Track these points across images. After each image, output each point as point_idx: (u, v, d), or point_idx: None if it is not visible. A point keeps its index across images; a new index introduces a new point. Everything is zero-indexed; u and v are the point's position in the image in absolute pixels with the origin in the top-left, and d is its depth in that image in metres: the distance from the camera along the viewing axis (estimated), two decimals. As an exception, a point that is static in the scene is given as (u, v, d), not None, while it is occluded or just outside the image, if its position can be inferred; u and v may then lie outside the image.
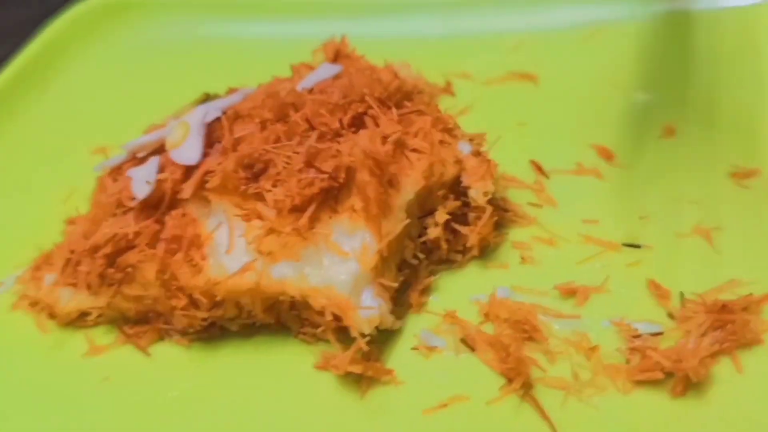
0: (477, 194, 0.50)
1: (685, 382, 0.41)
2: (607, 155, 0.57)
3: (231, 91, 0.59)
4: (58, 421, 0.45)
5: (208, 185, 0.47)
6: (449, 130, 0.52)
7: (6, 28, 0.90)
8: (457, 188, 0.51)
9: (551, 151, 0.58)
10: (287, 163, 0.46)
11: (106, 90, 0.74)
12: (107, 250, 0.47)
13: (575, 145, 0.59)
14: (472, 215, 0.50)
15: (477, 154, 0.52)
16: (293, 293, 0.45)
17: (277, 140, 0.48)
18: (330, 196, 0.46)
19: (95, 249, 0.48)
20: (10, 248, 0.56)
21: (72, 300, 0.50)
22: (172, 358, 0.48)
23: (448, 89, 0.67)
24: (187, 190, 0.48)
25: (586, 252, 0.50)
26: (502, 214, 0.53)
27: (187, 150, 0.49)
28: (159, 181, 0.48)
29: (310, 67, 0.60)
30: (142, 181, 0.48)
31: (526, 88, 0.66)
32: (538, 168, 0.57)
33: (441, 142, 0.50)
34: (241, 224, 0.47)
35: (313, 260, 0.45)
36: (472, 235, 0.49)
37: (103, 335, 0.50)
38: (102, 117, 0.70)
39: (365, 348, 0.44)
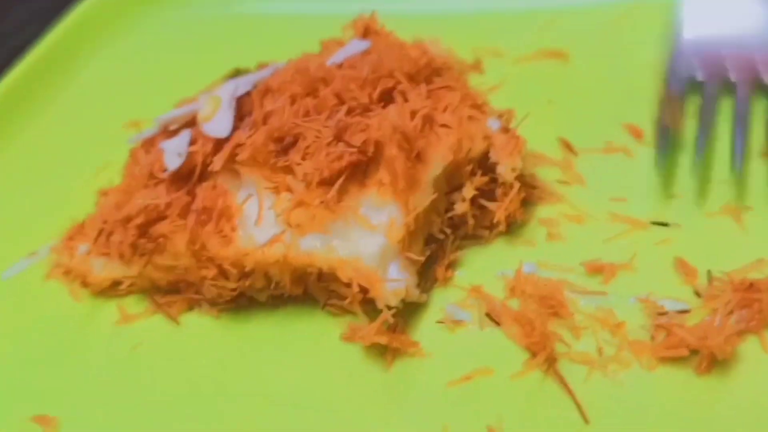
0: (505, 170, 0.50)
1: (710, 359, 0.41)
2: (636, 134, 0.57)
3: (261, 66, 0.59)
4: (90, 386, 0.46)
5: (238, 158, 0.48)
6: (478, 107, 0.52)
7: (31, 12, 0.92)
8: (485, 164, 0.51)
9: (580, 130, 0.58)
10: (317, 137, 0.47)
11: (137, 67, 0.74)
12: (139, 220, 0.48)
13: (605, 124, 0.58)
14: (499, 191, 0.50)
15: (506, 130, 0.52)
16: (321, 265, 0.45)
17: (307, 114, 0.49)
18: (359, 170, 0.46)
19: (127, 219, 0.49)
20: (44, 220, 0.57)
21: (104, 269, 0.51)
22: (201, 328, 0.49)
23: (477, 66, 0.67)
24: (218, 162, 0.48)
25: (613, 230, 0.50)
26: (529, 191, 0.53)
27: (218, 123, 0.49)
28: (190, 153, 0.49)
29: (340, 43, 0.60)
30: (173, 153, 0.48)
31: (557, 66, 0.66)
32: (567, 145, 0.57)
33: (470, 117, 0.50)
34: (271, 197, 0.47)
35: (341, 233, 0.45)
36: (499, 210, 0.50)
37: (134, 304, 0.51)
38: (133, 93, 0.71)
39: (391, 320, 0.44)
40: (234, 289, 0.48)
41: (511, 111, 0.53)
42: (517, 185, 0.49)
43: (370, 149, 0.46)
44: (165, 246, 0.48)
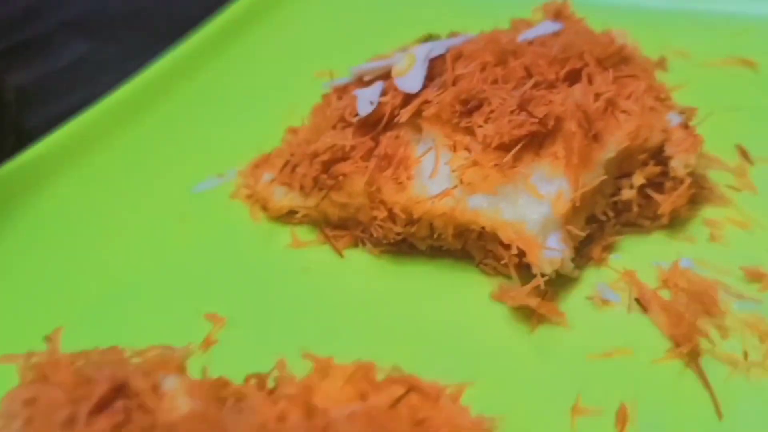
0: (678, 165, 0.50)
1: None
2: (820, 153, 0.56)
3: (453, 35, 0.62)
4: (260, 296, 0.51)
5: (424, 113, 0.51)
6: (661, 100, 0.53)
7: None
8: (659, 156, 0.52)
9: (761, 139, 0.58)
10: (501, 104, 0.49)
11: (333, 25, 0.80)
12: (325, 157, 0.53)
13: (787, 138, 0.57)
14: (668, 185, 0.51)
15: (685, 127, 0.52)
16: (484, 224, 0.48)
17: (495, 82, 0.51)
18: (536, 141, 0.48)
19: (314, 155, 0.53)
20: (235, 149, 0.63)
21: (284, 198, 0.55)
22: (362, 263, 0.53)
23: (662, 64, 0.67)
24: (405, 114, 0.51)
25: (779, 241, 0.50)
26: (698, 191, 0.53)
27: (411, 79, 0.52)
28: (380, 103, 0.52)
29: (529, 24, 0.62)
30: (366, 101, 0.52)
31: (745, 74, 0.65)
32: (743, 153, 0.57)
33: (651, 108, 0.51)
34: (448, 154, 0.50)
35: (509, 197, 0.48)
36: (665, 203, 0.50)
37: (305, 233, 0.55)
38: (326, 48, 0.76)
39: (543, 286, 0.46)
40: (399, 234, 0.51)
41: (693, 109, 0.53)
42: (687, 181, 0.50)
43: (551, 122, 0.48)
44: (343, 184, 0.52)
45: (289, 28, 0.80)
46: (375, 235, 0.52)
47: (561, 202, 0.47)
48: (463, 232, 0.50)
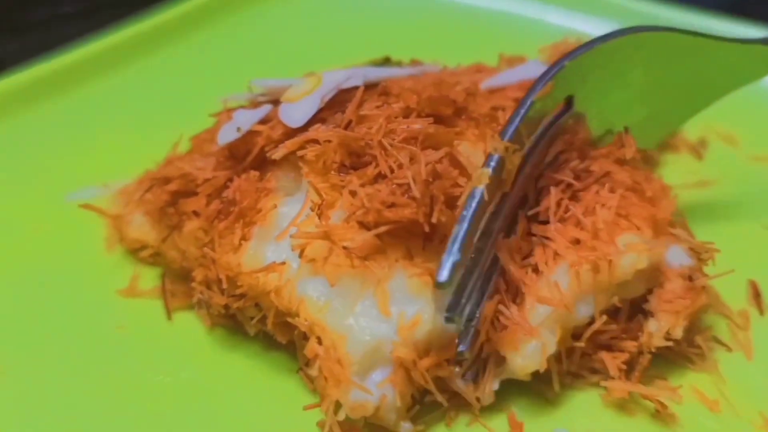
0: (657, 330, 0.35)
1: None
2: None
3: (414, 62, 0.49)
4: (47, 351, 0.39)
5: (302, 153, 0.37)
6: (659, 221, 0.37)
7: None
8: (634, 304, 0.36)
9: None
10: (390, 169, 0.35)
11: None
12: (174, 186, 0.40)
13: None
14: (626, 345, 0.36)
15: (688, 277, 0.36)
16: (303, 316, 0.34)
17: (406, 139, 0.37)
18: (416, 235, 0.34)
19: (165, 181, 0.41)
20: (138, 157, 0.50)
21: (138, 228, 0.43)
22: (188, 334, 0.40)
23: (697, 149, 0.51)
24: (280, 151, 0.38)
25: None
26: (682, 350, 0.37)
27: (299, 109, 0.39)
28: (252, 132, 0.39)
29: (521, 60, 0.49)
30: (233, 126, 0.40)
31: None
32: (756, 294, 0.41)
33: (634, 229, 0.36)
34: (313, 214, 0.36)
35: (348, 295, 0.34)
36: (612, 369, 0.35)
37: (151, 278, 0.43)
38: (286, 60, 0.63)
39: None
40: (225, 307, 0.38)
41: (710, 249, 0.37)
42: (647, 357, 0.35)
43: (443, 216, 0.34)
44: (186, 225, 0.40)
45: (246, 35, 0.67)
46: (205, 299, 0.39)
47: (413, 333, 0.33)
48: (287, 323, 0.36)
